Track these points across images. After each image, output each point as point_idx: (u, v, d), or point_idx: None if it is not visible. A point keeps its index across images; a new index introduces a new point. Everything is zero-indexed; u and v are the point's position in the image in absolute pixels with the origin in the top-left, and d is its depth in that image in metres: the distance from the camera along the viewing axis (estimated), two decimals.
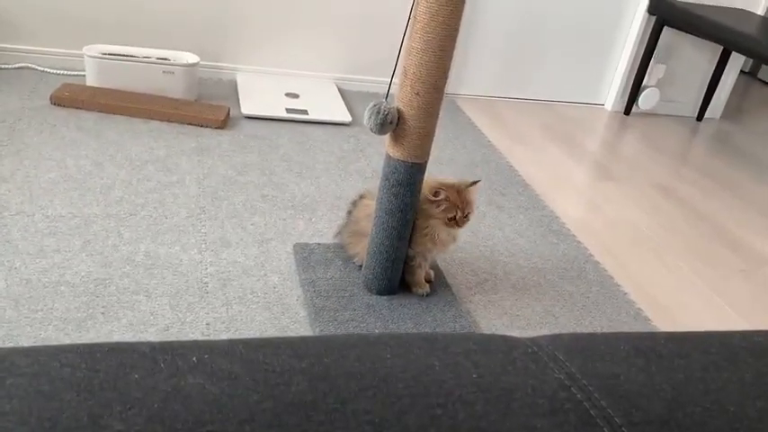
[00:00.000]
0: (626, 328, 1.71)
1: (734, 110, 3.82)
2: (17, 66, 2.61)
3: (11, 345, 1.32)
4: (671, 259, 2.11)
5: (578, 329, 1.68)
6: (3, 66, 2.59)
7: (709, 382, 0.59)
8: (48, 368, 0.48)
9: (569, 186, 2.51)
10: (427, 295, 1.66)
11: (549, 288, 1.83)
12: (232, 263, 1.69)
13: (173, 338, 1.40)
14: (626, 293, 1.86)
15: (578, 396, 0.54)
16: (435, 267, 1.78)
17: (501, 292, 1.78)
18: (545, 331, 1.65)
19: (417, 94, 1.37)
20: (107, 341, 0.79)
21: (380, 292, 1.62)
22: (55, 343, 1.33)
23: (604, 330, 1.68)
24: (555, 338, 0.64)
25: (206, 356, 0.52)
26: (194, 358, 0.52)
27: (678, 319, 1.82)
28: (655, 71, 3.38)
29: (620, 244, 2.15)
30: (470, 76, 3.23)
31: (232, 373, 0.50)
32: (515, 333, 1.57)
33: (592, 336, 0.66)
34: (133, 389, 0.47)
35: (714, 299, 1.94)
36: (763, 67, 4.60)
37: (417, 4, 1.33)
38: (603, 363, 0.60)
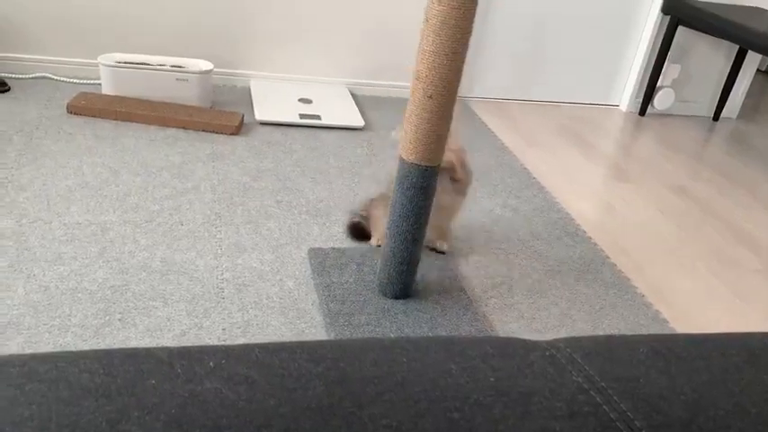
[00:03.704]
0: (644, 331, 1.70)
1: (750, 109, 3.78)
2: (34, 75, 2.65)
3: (30, 351, 1.33)
4: (688, 260, 2.09)
5: (596, 332, 1.67)
6: (20, 76, 2.62)
7: (729, 383, 0.58)
8: (66, 374, 0.48)
9: (585, 188, 2.49)
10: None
11: (565, 290, 1.82)
12: (248, 268, 1.69)
13: (189, 344, 1.41)
14: (643, 295, 1.85)
15: (597, 399, 0.54)
16: (451, 271, 1.78)
17: (517, 295, 1.77)
18: (562, 334, 1.64)
19: (430, 97, 1.37)
20: (124, 347, 0.79)
21: (395, 296, 1.62)
22: (73, 349, 1.34)
23: (622, 333, 1.66)
24: (573, 341, 0.63)
25: (223, 361, 0.52)
26: (211, 363, 0.52)
27: (696, 320, 1.80)
28: (669, 71, 3.36)
29: (637, 245, 2.13)
30: (483, 79, 3.22)
31: (249, 378, 0.50)
32: (532, 336, 1.56)
33: (610, 338, 0.65)
34: (151, 394, 0.47)
35: (732, 299, 1.92)
36: None
37: (430, 6, 1.33)
38: (622, 365, 0.59)
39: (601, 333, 1.66)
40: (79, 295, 1.50)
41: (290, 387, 0.50)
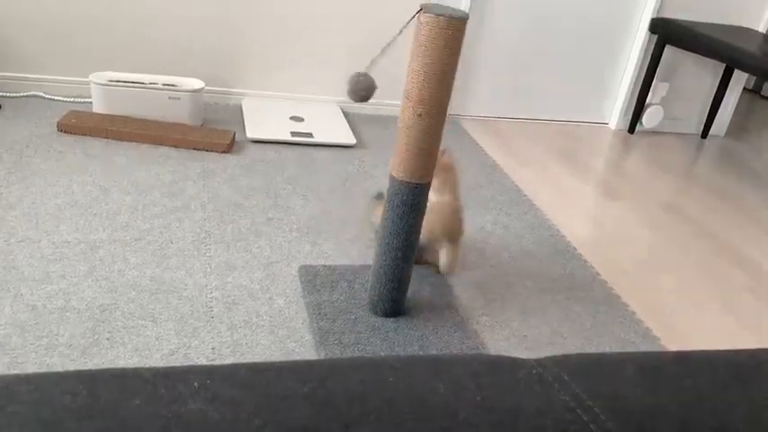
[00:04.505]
0: (635, 348, 1.70)
1: (738, 127, 3.82)
2: (25, 94, 2.65)
3: (15, 372, 1.32)
4: (678, 277, 2.10)
5: (587, 350, 1.66)
6: (11, 94, 2.62)
7: (717, 401, 0.58)
8: (48, 395, 0.48)
9: (575, 206, 2.50)
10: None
11: (556, 308, 1.82)
12: (237, 286, 1.68)
13: (178, 363, 1.40)
14: (634, 312, 1.85)
15: (584, 418, 0.54)
16: (443, 288, 1.78)
17: (508, 313, 1.76)
18: (553, 352, 1.64)
19: (420, 115, 1.38)
20: (110, 367, 0.79)
21: (386, 314, 1.61)
22: (60, 369, 1.33)
23: (613, 350, 1.66)
24: (560, 359, 0.63)
25: (208, 381, 0.52)
26: (196, 383, 0.51)
27: (687, 337, 1.80)
28: (658, 89, 3.39)
29: (627, 263, 2.13)
30: (474, 97, 3.24)
31: (234, 399, 0.50)
32: (523, 354, 1.56)
33: (598, 356, 0.65)
34: (134, 415, 0.47)
35: (722, 317, 1.92)
36: (767, 84, 4.60)
37: (419, 26, 1.34)
38: (609, 383, 0.59)
39: (592, 350, 1.66)
40: (67, 314, 1.49)
41: (276, 407, 0.50)
